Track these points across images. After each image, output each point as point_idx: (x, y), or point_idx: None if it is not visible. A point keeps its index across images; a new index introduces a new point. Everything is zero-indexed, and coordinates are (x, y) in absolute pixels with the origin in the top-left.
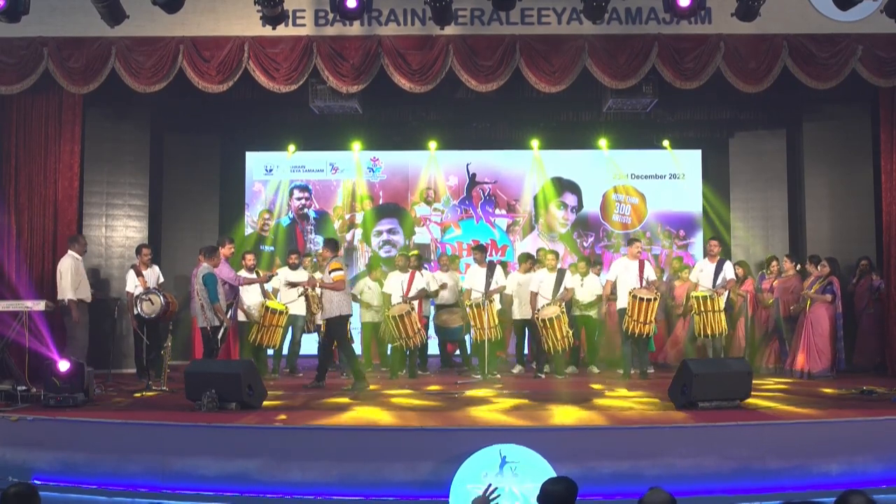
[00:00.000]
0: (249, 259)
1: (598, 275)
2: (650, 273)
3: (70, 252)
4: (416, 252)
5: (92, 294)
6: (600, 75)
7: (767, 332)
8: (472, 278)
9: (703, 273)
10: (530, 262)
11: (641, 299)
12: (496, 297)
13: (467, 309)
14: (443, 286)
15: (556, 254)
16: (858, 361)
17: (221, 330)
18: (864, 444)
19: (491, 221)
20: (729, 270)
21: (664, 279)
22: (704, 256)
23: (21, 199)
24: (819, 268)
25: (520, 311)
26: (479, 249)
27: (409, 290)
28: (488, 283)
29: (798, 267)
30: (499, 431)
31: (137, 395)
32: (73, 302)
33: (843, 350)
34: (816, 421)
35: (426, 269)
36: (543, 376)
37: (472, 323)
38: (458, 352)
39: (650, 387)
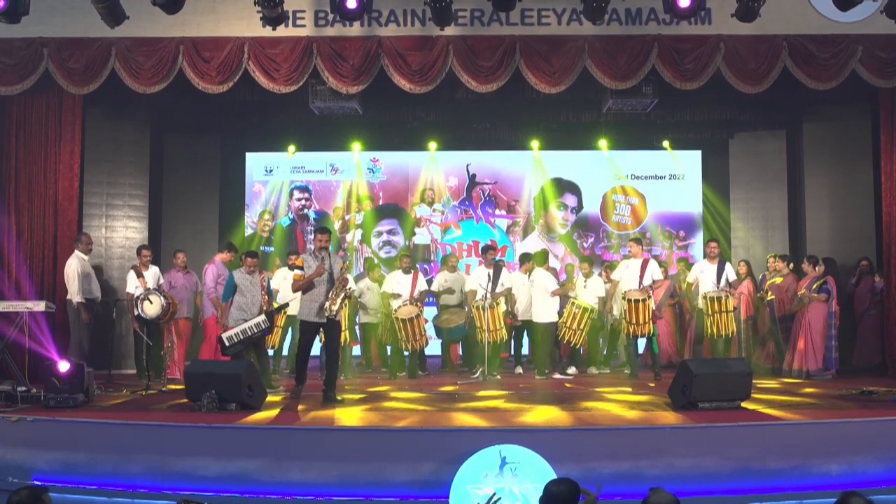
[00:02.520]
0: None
1: (606, 276)
2: (655, 272)
3: (76, 252)
4: (405, 253)
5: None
6: (600, 76)
7: (765, 333)
8: (478, 279)
9: (703, 274)
10: (532, 262)
11: (634, 301)
12: (501, 298)
13: (473, 310)
14: (448, 290)
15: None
16: (859, 362)
17: (225, 331)
18: (864, 444)
19: (491, 222)
20: (731, 272)
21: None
22: (704, 258)
23: (21, 199)
24: (816, 268)
25: (522, 312)
26: (489, 249)
27: (413, 291)
28: (494, 285)
29: (791, 266)
30: (499, 432)
31: (144, 392)
32: (82, 304)
33: (836, 349)
34: (816, 421)
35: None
36: (546, 378)
37: (478, 325)
38: (461, 353)
39: (650, 387)
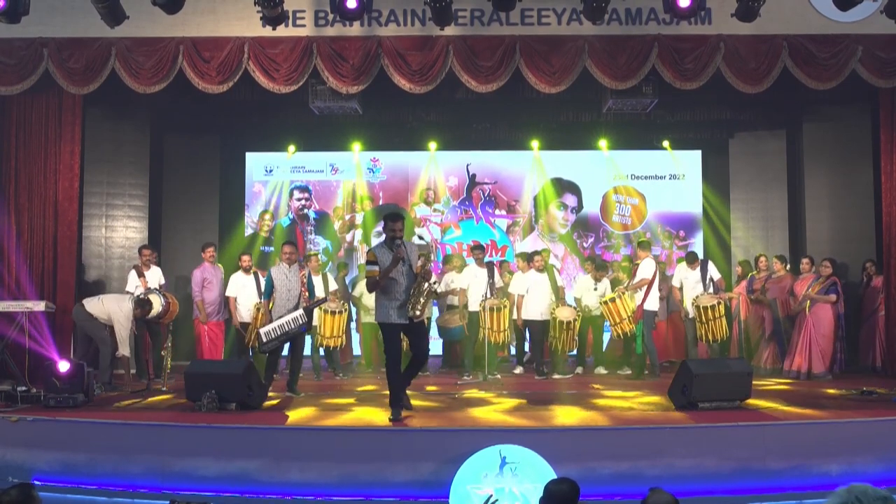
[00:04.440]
0: (246, 260)
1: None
2: (643, 271)
3: (128, 307)
4: (425, 253)
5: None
6: (600, 76)
7: (765, 333)
8: (473, 279)
9: (688, 280)
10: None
11: (605, 303)
12: (506, 299)
13: (479, 310)
14: (452, 291)
15: (548, 251)
16: (864, 362)
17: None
18: (864, 444)
19: (491, 222)
20: (713, 270)
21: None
22: (686, 264)
23: (21, 199)
24: (821, 268)
25: (524, 311)
26: (479, 249)
27: None
28: (491, 285)
29: (788, 267)
30: (499, 432)
31: (145, 400)
32: (127, 358)
33: (843, 350)
34: (816, 421)
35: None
36: (546, 377)
37: (487, 325)
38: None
39: (650, 387)
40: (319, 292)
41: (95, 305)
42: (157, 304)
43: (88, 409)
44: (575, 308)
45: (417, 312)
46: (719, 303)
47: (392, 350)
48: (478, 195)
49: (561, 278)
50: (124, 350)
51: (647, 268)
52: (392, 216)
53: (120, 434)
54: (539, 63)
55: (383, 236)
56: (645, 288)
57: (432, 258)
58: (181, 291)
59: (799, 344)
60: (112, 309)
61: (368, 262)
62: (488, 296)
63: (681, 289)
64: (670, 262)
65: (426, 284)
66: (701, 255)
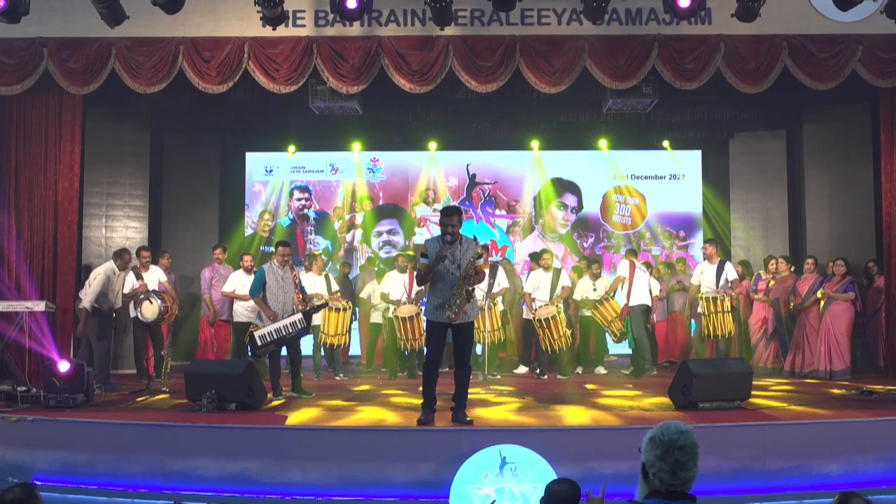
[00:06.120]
0: (247, 260)
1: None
2: (618, 272)
3: (112, 265)
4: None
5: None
6: (600, 76)
7: (766, 333)
8: None
9: (704, 275)
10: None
11: (596, 309)
12: (498, 298)
13: None
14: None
15: (552, 252)
16: (868, 362)
17: (256, 330)
18: (865, 444)
19: (491, 222)
20: (731, 271)
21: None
22: (704, 259)
23: (21, 199)
24: (835, 267)
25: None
26: (485, 249)
27: (410, 290)
28: (491, 285)
29: (793, 268)
30: (499, 432)
31: (141, 398)
32: (87, 312)
33: (860, 347)
34: (816, 421)
35: None
36: (545, 377)
37: (475, 326)
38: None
39: (650, 387)
40: (321, 291)
41: (84, 291)
42: (155, 305)
43: (88, 409)
44: (557, 306)
45: (451, 314)
46: (723, 297)
47: (430, 348)
48: (478, 195)
49: (569, 280)
50: (86, 302)
51: (620, 268)
52: (445, 210)
53: (120, 434)
54: (539, 63)
55: (383, 236)
56: (626, 287)
57: (486, 259)
58: (182, 291)
59: (818, 343)
60: (95, 273)
61: (421, 255)
62: (484, 297)
63: (699, 286)
64: (670, 262)
65: (463, 287)
66: (701, 256)
